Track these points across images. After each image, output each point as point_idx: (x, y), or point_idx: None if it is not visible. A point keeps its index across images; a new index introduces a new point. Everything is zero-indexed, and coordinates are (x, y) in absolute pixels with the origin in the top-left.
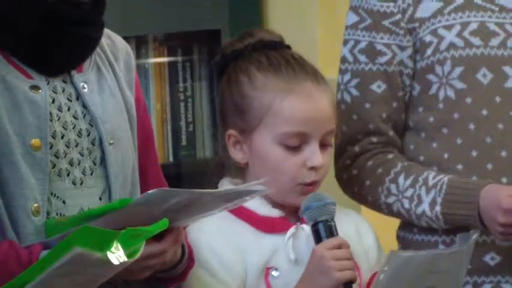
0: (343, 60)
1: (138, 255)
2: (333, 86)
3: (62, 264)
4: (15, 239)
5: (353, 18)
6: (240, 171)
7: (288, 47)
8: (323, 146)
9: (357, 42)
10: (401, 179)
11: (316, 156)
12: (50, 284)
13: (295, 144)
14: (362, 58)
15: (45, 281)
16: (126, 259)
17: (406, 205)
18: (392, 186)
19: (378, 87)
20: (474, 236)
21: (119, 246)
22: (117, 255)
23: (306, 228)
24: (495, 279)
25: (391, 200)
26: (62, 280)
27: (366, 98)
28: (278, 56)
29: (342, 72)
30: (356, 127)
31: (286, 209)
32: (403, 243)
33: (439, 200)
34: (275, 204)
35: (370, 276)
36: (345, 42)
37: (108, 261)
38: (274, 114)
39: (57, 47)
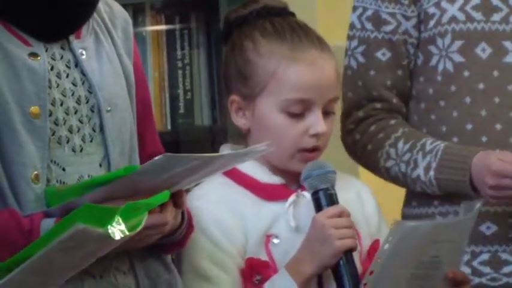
0: (352, 26)
1: (140, 228)
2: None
3: (64, 240)
4: (16, 207)
5: None
6: (242, 138)
7: (293, 14)
8: (326, 113)
9: (365, 9)
10: (400, 144)
11: (319, 123)
12: (51, 258)
13: (298, 111)
14: (368, 26)
15: (47, 255)
16: (127, 233)
17: (403, 169)
18: (392, 151)
19: (383, 55)
20: (477, 205)
21: (120, 221)
22: (118, 229)
23: (307, 195)
24: (492, 248)
25: (389, 164)
26: (63, 255)
27: (371, 65)
28: (283, 22)
29: (349, 38)
30: (361, 93)
31: (287, 176)
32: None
33: (433, 165)
34: (276, 172)
35: (370, 243)
36: (354, 8)
37: (109, 237)
38: (278, 81)
39: (55, 12)
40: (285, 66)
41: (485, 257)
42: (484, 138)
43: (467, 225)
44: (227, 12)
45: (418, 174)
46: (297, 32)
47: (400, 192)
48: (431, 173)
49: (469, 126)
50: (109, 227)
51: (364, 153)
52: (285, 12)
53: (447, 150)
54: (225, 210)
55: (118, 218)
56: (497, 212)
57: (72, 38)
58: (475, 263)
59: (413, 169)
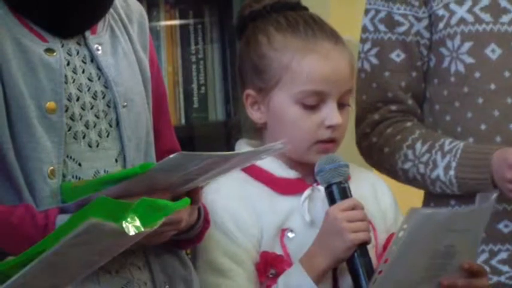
0: (364, 29)
1: (155, 227)
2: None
3: (77, 235)
4: (31, 202)
5: None
6: (258, 132)
7: (306, 9)
8: (341, 105)
9: (377, 12)
10: (418, 145)
11: (334, 115)
12: (65, 253)
13: (313, 103)
14: (381, 27)
15: (60, 250)
16: (142, 229)
17: (422, 170)
18: (409, 152)
19: (397, 56)
20: (494, 195)
21: (135, 217)
22: (133, 225)
23: (322, 190)
24: (511, 246)
25: (407, 165)
26: (77, 250)
27: (385, 66)
28: (296, 16)
29: (362, 41)
30: (375, 95)
31: (303, 169)
32: None
33: (453, 164)
34: (292, 165)
35: (386, 237)
36: (366, 12)
37: (123, 232)
38: (293, 73)
39: (71, 8)
40: (299, 59)
41: (503, 255)
42: (498, 138)
43: (483, 215)
44: (241, 7)
45: (437, 174)
46: (310, 25)
47: (413, 189)
48: (452, 172)
49: (483, 127)
50: (123, 222)
51: (381, 156)
52: (298, 7)
53: (467, 149)
54: (240, 204)
55: (132, 213)
56: None
57: (88, 33)
58: (493, 262)
59: (433, 169)
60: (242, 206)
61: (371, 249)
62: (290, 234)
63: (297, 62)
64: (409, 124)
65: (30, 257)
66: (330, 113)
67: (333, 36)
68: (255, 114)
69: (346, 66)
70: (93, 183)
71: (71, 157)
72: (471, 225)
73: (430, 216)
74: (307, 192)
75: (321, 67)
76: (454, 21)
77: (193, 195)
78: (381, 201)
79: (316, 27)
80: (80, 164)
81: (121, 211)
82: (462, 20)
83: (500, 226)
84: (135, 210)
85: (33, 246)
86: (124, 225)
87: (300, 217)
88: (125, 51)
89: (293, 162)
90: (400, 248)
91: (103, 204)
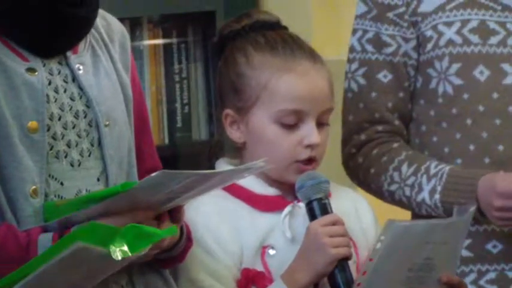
0: (352, 49)
1: (142, 251)
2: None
3: (63, 258)
4: (13, 222)
5: (362, 8)
6: (238, 152)
7: (285, 28)
8: (320, 124)
9: (365, 32)
10: (404, 167)
11: (313, 134)
12: (50, 276)
13: (291, 122)
14: (369, 48)
15: (46, 273)
16: (129, 254)
17: (407, 193)
18: (395, 174)
19: (384, 76)
20: (471, 208)
21: (123, 242)
22: (120, 250)
23: (303, 207)
24: (499, 267)
25: (393, 187)
26: (62, 274)
27: (372, 87)
28: (275, 35)
29: (349, 61)
30: (362, 116)
31: (283, 187)
32: None
33: (438, 188)
34: (272, 183)
35: (367, 254)
36: (354, 31)
37: (110, 256)
38: (271, 92)
39: (53, 28)
40: (277, 77)
41: (492, 275)
42: (486, 160)
43: (462, 228)
44: (221, 27)
45: (423, 197)
46: (289, 44)
47: (400, 209)
48: (437, 196)
49: (472, 148)
50: (111, 246)
51: (367, 176)
52: (277, 26)
53: (452, 173)
54: (220, 221)
55: (120, 239)
56: (503, 231)
57: (69, 53)
58: (481, 282)
59: (418, 193)
60: (222, 223)
61: (352, 265)
62: (271, 251)
63: (275, 80)
64: (395, 145)
65: (14, 280)
66: (309, 132)
67: (312, 55)
68: (234, 134)
69: (324, 85)
70: (75, 202)
71: (53, 176)
72: (449, 237)
73: (407, 227)
74: (287, 209)
75: (300, 86)
76: (442, 42)
77: (176, 213)
78: (362, 218)
79: (295, 46)
80: (62, 183)
81: (109, 236)
82: (451, 42)
83: (489, 246)
84: (123, 235)
85: (18, 269)
86: (111, 250)
87: (281, 234)
88: (106, 71)
89: (273, 180)
90: (378, 260)
91: (91, 229)
